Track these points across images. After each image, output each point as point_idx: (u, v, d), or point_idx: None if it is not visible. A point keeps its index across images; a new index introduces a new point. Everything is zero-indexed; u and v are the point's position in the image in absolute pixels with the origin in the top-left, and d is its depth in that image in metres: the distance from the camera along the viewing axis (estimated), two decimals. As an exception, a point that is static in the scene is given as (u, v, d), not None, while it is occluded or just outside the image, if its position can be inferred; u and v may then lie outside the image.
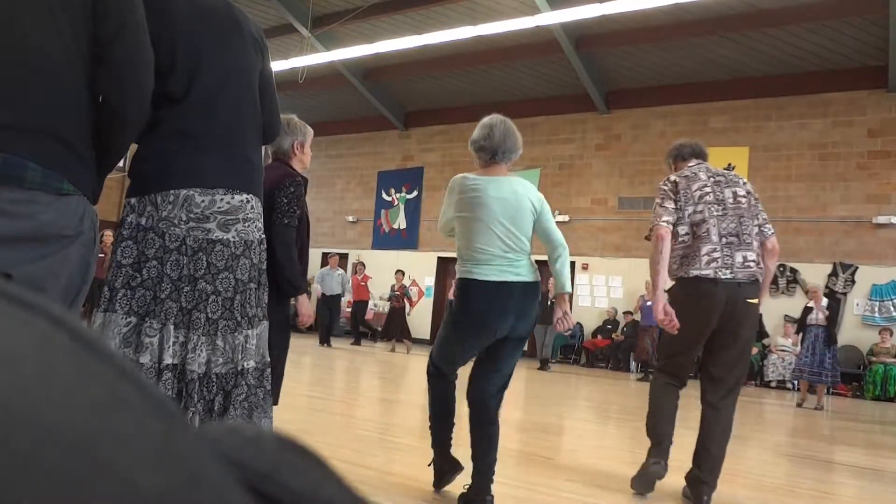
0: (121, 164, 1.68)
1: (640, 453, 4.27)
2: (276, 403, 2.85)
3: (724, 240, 3.06)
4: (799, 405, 8.58)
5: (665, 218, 3.12)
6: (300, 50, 13.31)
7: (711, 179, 3.17)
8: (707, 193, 3.13)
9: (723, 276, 3.01)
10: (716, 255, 3.04)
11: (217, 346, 1.82)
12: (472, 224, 2.63)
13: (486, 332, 2.62)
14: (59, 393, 0.16)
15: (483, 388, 2.68)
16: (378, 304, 14.87)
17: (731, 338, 3.06)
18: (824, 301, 8.56)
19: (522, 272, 2.61)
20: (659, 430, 3.16)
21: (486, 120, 2.75)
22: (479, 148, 2.70)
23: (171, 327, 1.76)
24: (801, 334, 8.77)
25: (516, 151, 2.73)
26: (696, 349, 3.15)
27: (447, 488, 2.81)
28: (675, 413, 3.18)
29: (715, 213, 3.10)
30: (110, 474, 0.15)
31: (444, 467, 2.77)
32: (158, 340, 1.75)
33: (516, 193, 2.65)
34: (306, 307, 2.90)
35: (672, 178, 3.22)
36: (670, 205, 3.15)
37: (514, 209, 2.63)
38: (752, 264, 3.06)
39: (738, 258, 3.05)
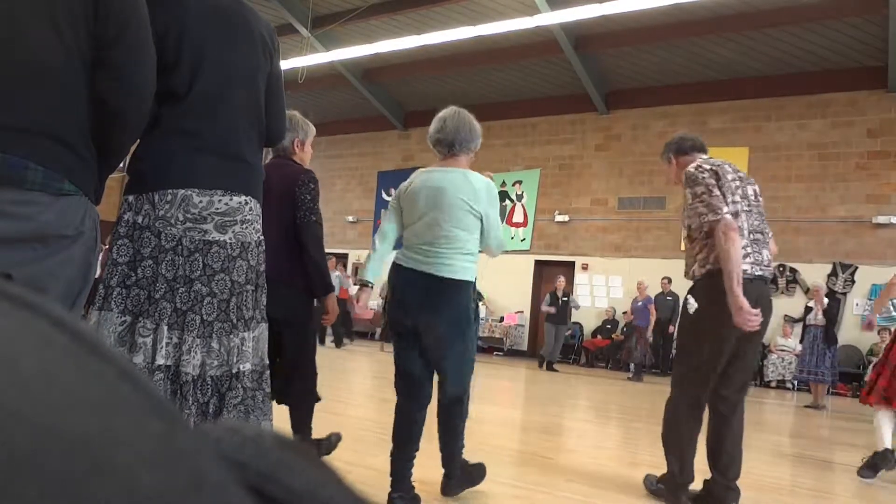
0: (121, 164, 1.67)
1: (639, 454, 4.27)
2: (319, 399, 2.89)
3: (751, 235, 2.96)
4: (812, 407, 8.54)
5: (725, 209, 2.83)
6: (300, 50, 13.32)
7: (737, 174, 3.03)
8: (739, 186, 2.97)
9: (756, 273, 2.91)
10: (749, 249, 2.92)
11: (212, 348, 1.81)
12: (407, 213, 2.67)
13: (397, 318, 2.60)
14: (59, 393, 0.16)
15: (440, 388, 2.66)
16: (376, 303, 14.93)
17: (755, 341, 2.95)
18: (825, 301, 8.55)
19: (436, 265, 2.53)
20: (686, 465, 2.93)
21: (440, 113, 2.72)
22: (435, 142, 2.70)
23: (165, 328, 1.74)
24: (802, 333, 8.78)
25: (473, 141, 2.69)
26: (726, 355, 2.90)
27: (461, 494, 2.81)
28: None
29: (744, 208, 2.96)
30: (110, 475, 0.15)
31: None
32: (152, 341, 1.74)
33: (451, 186, 2.57)
34: (335, 304, 2.91)
35: (705, 165, 2.95)
36: (718, 192, 2.88)
37: (438, 200, 2.56)
38: (770, 263, 3.02)
39: (764, 256, 2.97)
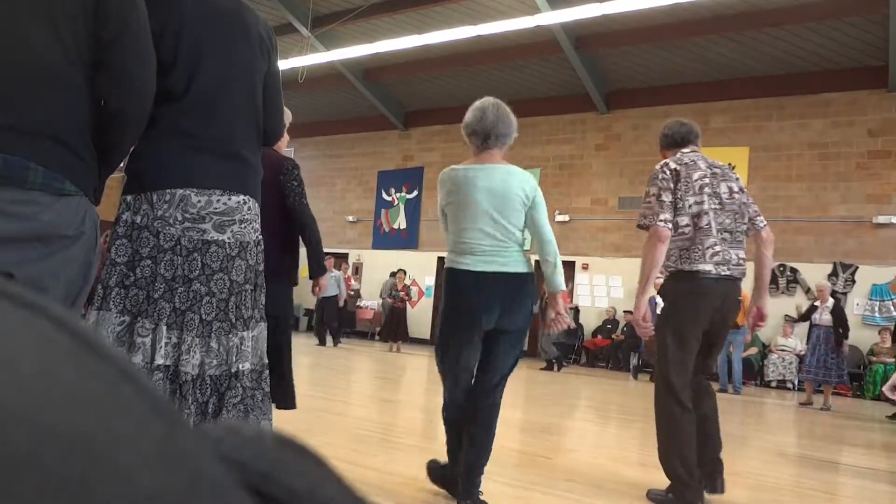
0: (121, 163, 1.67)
1: (639, 454, 4.27)
2: (294, 406, 2.84)
3: (720, 234, 2.99)
4: (803, 404, 8.55)
5: (663, 216, 2.94)
6: (300, 50, 13.31)
7: (710, 170, 3.05)
8: (706, 185, 3.00)
9: (722, 273, 2.97)
10: (717, 248, 2.96)
11: (211, 347, 1.81)
12: (459, 214, 2.59)
13: (473, 325, 2.54)
14: (59, 393, 0.16)
15: (477, 386, 2.60)
16: (367, 303, 15.06)
17: (721, 335, 3.10)
18: (830, 301, 8.51)
19: (510, 263, 2.53)
20: (690, 465, 2.92)
21: (478, 103, 2.65)
22: (471, 132, 2.62)
23: (164, 328, 1.74)
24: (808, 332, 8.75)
25: (510, 135, 2.64)
26: (695, 351, 3.05)
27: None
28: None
29: (713, 206, 2.99)
30: (111, 475, 0.15)
31: (447, 478, 2.67)
32: (151, 341, 1.74)
33: (506, 182, 2.56)
34: (326, 282, 2.99)
35: (671, 164, 3.02)
36: (668, 198, 2.96)
37: (501, 198, 2.54)
38: (742, 262, 3.05)
39: (733, 256, 3.01)
